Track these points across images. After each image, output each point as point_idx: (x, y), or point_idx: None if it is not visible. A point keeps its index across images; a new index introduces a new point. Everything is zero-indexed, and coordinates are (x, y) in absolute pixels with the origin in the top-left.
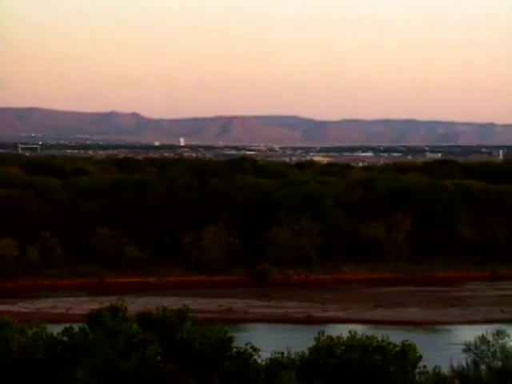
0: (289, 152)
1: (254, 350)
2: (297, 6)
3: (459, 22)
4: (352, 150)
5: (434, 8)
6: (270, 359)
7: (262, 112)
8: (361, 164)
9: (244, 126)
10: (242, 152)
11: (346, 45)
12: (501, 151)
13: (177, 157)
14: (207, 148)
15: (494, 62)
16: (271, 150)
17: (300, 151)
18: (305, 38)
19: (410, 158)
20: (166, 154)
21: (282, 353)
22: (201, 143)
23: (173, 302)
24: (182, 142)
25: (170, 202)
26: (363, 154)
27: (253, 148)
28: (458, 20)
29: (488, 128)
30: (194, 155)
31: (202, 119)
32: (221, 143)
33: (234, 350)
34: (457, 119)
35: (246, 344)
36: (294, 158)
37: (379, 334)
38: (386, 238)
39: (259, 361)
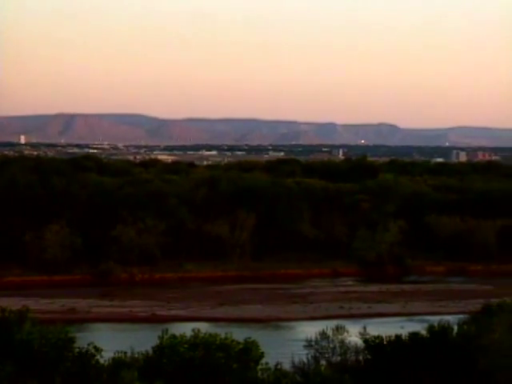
0: (133, 150)
1: (97, 350)
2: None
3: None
4: (196, 148)
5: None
6: (113, 359)
7: (106, 110)
8: (205, 163)
9: (87, 123)
10: (85, 150)
11: (187, 44)
12: (341, 150)
13: (17, 155)
14: (49, 146)
15: (333, 64)
16: (115, 148)
17: (144, 150)
18: (152, 34)
19: (253, 156)
20: (5, 152)
21: (125, 352)
22: (42, 141)
23: (13, 303)
24: (23, 139)
25: (10, 200)
26: (207, 153)
27: (96, 146)
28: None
29: (328, 127)
30: (35, 153)
31: (43, 116)
32: (63, 141)
33: (76, 350)
34: (298, 119)
35: (89, 344)
36: (138, 157)
37: (223, 331)
38: (230, 236)
39: (102, 361)
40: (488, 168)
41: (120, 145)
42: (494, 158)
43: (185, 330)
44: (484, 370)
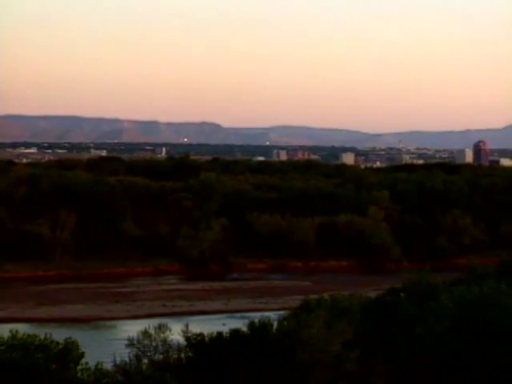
0: None
1: None
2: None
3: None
4: (15, 146)
5: None
6: None
7: None
8: (25, 160)
9: None
10: None
11: (7, 38)
12: (164, 149)
13: None
14: None
15: (155, 61)
16: None
17: None
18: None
19: (74, 154)
20: None
21: None
22: None
23: None
24: None
25: None
26: (27, 151)
27: None
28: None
29: (152, 126)
30: None
31: None
32: None
33: None
34: (121, 116)
35: None
36: None
37: (42, 332)
38: (51, 236)
39: None
40: (307, 167)
41: None
42: (312, 157)
43: (2, 331)
44: (303, 364)
